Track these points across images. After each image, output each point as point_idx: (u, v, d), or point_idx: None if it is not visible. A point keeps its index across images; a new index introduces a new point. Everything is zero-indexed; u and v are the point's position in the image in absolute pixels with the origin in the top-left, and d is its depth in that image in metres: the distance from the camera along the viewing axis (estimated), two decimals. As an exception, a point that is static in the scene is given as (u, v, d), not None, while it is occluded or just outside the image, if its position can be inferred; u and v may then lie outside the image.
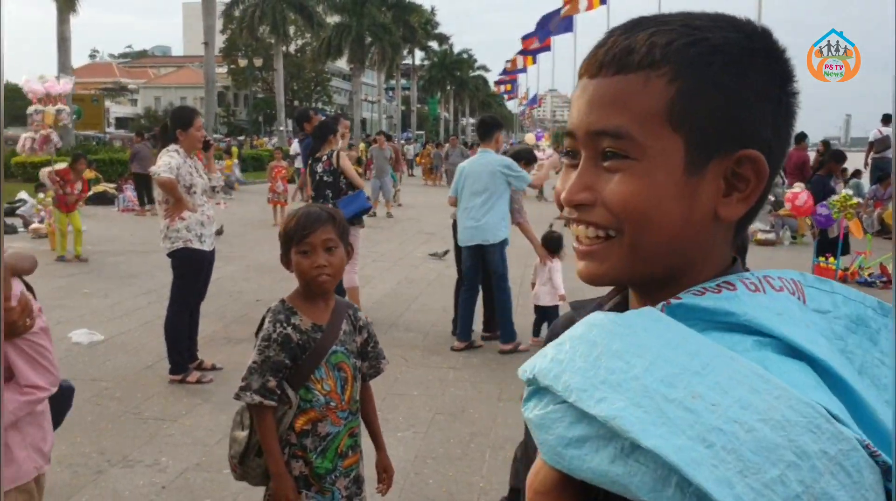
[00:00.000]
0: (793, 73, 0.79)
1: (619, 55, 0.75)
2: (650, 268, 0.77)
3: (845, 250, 9.84)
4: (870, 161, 16.40)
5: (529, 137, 28.27)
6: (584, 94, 0.78)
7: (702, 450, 0.59)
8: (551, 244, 6.91)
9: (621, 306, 0.88)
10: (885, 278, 9.93)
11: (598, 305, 0.92)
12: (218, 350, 6.34)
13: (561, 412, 0.67)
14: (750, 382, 0.62)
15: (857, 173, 17.02)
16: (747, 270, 0.79)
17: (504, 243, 6.53)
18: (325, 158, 6.99)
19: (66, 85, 13.80)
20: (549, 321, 6.89)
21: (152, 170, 5.61)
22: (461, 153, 20.52)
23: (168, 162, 5.47)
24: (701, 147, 0.74)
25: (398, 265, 10.85)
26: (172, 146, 5.59)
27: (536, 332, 6.98)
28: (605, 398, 0.63)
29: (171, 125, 5.65)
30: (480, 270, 6.61)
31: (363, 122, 62.44)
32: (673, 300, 0.73)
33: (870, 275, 10.07)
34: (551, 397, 0.68)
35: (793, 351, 0.67)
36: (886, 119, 15.83)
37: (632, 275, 0.79)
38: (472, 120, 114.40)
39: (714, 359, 0.64)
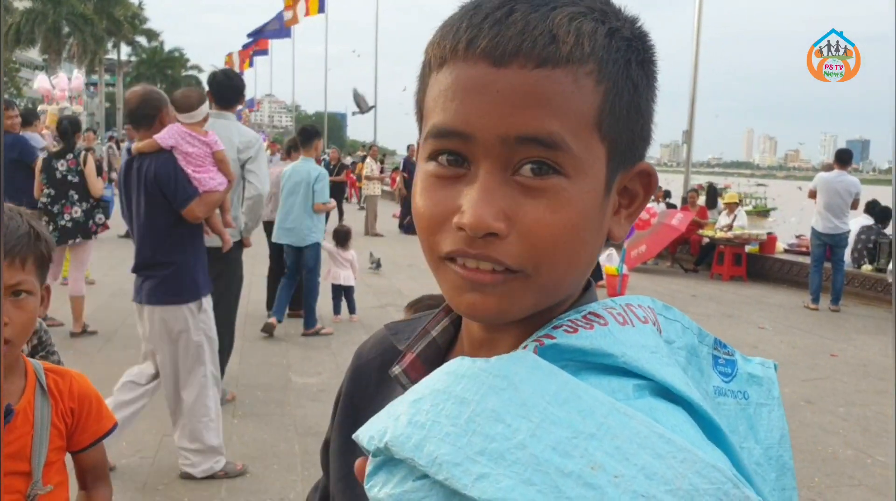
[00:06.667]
0: None
1: (540, 43, 0.59)
2: (551, 302, 0.65)
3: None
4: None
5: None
6: (488, 87, 0.59)
7: None
8: (341, 237, 7.87)
9: (450, 332, 0.77)
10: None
11: (423, 331, 0.77)
12: None
13: (424, 490, 0.54)
14: (652, 445, 0.53)
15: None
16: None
17: (316, 244, 7.29)
18: (70, 157, 7.04)
19: (76, 80, 11.04)
20: (349, 298, 8.00)
21: None
22: None
23: None
24: (618, 160, 0.64)
25: (108, 276, 9.97)
26: None
27: (337, 310, 7.96)
28: (487, 475, 0.51)
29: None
30: (298, 264, 7.36)
31: (60, 119, 57.02)
32: (546, 340, 0.61)
33: None
34: (408, 471, 0.55)
35: (667, 392, 0.60)
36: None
37: (532, 312, 0.65)
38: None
39: (609, 417, 0.54)
